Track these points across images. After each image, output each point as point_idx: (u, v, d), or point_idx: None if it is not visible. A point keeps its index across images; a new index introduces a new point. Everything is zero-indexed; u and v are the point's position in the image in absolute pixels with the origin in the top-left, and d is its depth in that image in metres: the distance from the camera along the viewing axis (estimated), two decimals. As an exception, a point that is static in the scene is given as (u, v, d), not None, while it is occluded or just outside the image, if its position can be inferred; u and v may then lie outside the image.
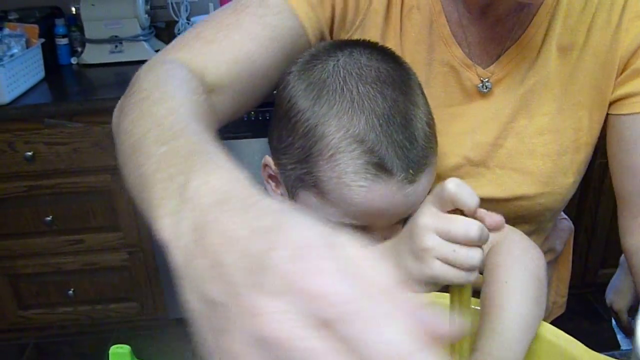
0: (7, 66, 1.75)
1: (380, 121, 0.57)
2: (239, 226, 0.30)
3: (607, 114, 0.71)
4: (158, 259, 2.02)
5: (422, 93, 0.64)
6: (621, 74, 0.68)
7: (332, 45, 0.65)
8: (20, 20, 2.14)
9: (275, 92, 0.67)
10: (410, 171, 0.58)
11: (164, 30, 2.31)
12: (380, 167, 0.57)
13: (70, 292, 2.06)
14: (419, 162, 0.58)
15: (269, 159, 0.67)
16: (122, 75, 2.08)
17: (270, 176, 0.68)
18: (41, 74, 2.01)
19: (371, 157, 0.57)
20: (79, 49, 2.23)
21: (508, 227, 0.66)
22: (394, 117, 0.57)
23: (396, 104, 0.58)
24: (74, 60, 2.20)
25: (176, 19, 2.25)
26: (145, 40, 2.16)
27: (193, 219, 0.33)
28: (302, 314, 0.25)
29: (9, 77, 1.77)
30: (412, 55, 0.70)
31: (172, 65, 0.57)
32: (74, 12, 2.26)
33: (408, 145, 0.57)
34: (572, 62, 0.69)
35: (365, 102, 0.58)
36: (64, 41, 2.18)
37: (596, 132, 0.72)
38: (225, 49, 0.62)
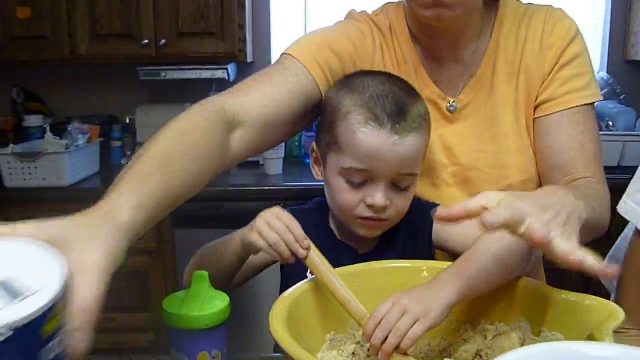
0: (73, 154, 2.03)
1: (378, 96, 0.85)
2: None
3: (533, 118, 0.95)
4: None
5: (422, 99, 0.90)
6: (542, 84, 0.93)
7: (358, 71, 0.93)
8: (82, 124, 2.45)
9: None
10: (396, 125, 0.83)
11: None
12: (375, 120, 0.83)
13: (95, 371, 2.14)
14: (405, 124, 0.83)
15: (313, 144, 0.93)
16: (165, 175, 2.33)
17: (315, 160, 0.93)
18: (96, 167, 2.29)
19: (369, 114, 0.84)
20: (128, 153, 2.51)
21: None
22: (387, 96, 0.85)
23: (391, 91, 0.86)
24: (123, 161, 2.47)
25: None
26: (188, 146, 2.43)
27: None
28: None
29: (72, 163, 2.04)
30: None
31: (209, 110, 0.80)
32: (127, 122, 2.59)
33: (397, 112, 0.83)
34: (516, 82, 0.95)
35: (370, 87, 0.86)
36: (117, 144, 2.48)
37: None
38: (257, 96, 0.87)
